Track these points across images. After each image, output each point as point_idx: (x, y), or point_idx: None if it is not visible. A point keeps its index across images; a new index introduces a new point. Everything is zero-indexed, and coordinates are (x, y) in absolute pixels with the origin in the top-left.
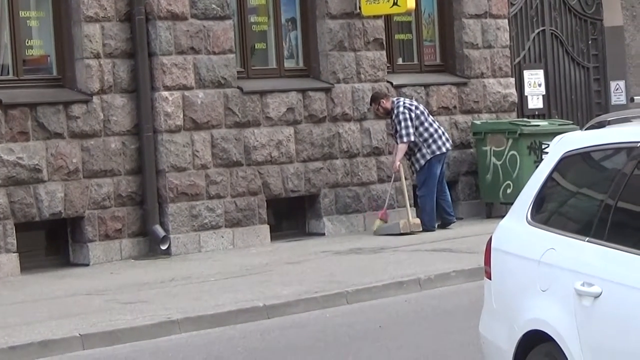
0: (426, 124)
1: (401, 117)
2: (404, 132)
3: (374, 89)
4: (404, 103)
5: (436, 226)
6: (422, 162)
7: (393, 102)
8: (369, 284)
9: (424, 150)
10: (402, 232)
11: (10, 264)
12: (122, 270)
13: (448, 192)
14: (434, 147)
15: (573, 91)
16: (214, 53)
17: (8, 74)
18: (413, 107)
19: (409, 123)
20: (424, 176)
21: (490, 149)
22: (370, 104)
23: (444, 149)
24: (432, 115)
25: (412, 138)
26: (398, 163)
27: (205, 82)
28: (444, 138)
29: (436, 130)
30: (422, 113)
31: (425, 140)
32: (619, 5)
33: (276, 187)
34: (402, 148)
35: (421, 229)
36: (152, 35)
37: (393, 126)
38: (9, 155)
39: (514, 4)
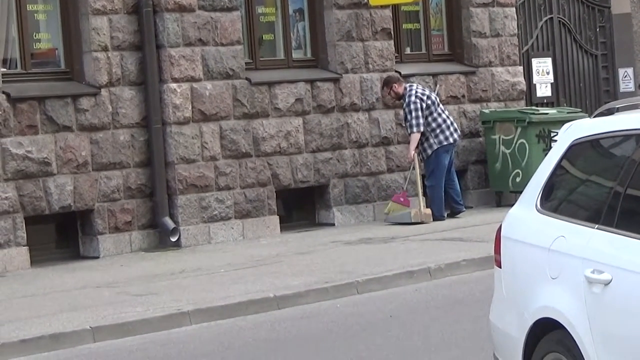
0: (435, 114)
1: (412, 106)
2: (414, 122)
3: (382, 79)
4: (416, 92)
5: (445, 215)
6: (429, 151)
7: (405, 88)
8: (379, 274)
9: (431, 140)
10: (412, 221)
11: (20, 257)
12: (132, 262)
13: (457, 182)
14: (441, 137)
15: (581, 79)
16: (222, 44)
17: (16, 67)
18: (425, 97)
19: (420, 113)
20: (432, 166)
21: (499, 137)
22: (382, 88)
23: (451, 140)
24: (442, 105)
25: (422, 129)
26: (412, 153)
27: (213, 73)
28: (452, 128)
29: (444, 121)
30: (433, 103)
31: (433, 130)
32: None
33: (285, 177)
34: (414, 138)
35: (432, 219)
36: (159, 27)
37: (404, 114)
38: (18, 149)
39: None
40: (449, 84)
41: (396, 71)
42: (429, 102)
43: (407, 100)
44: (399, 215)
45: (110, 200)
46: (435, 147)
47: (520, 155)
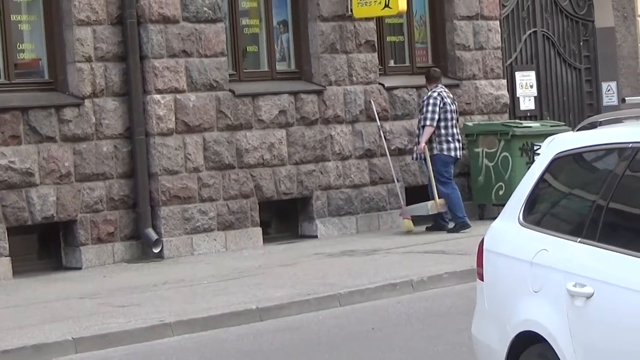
0: (448, 123)
1: (431, 101)
2: (429, 115)
3: (366, 91)
4: (439, 92)
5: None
6: (431, 152)
7: (434, 86)
8: (362, 286)
9: (433, 144)
10: (430, 213)
11: (2, 267)
12: (115, 273)
13: (459, 201)
14: (444, 146)
15: (565, 92)
16: (206, 56)
17: (0, 77)
18: (448, 101)
19: (436, 109)
20: (437, 172)
21: (483, 150)
22: (440, 81)
23: (452, 154)
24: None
25: (435, 124)
26: (423, 144)
27: (197, 85)
28: (457, 145)
29: (453, 135)
30: (451, 112)
31: (439, 136)
32: (610, 6)
33: (268, 189)
34: (427, 131)
35: (446, 209)
36: (143, 38)
37: (420, 107)
38: (0, 159)
39: (506, 6)
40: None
41: (380, 83)
42: (447, 107)
43: (429, 94)
44: (416, 207)
45: (93, 211)
46: (435, 152)
47: (503, 168)
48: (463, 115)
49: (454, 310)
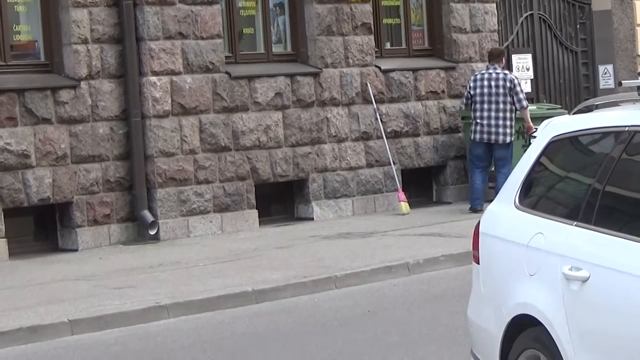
0: (476, 106)
1: (516, 81)
2: (522, 95)
3: (362, 73)
4: (480, 75)
5: (477, 207)
6: (504, 138)
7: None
8: (358, 269)
9: (512, 129)
10: None
11: None
12: (111, 255)
13: (480, 180)
14: (472, 129)
15: (561, 75)
16: (202, 38)
17: None
18: (475, 84)
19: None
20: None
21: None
22: (498, 59)
23: (477, 137)
24: (421, 100)
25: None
26: (531, 123)
27: (193, 67)
28: (479, 128)
29: (479, 118)
30: (482, 94)
31: (512, 119)
32: None
33: (264, 172)
34: (528, 112)
35: None
36: (139, 20)
37: (504, 87)
38: None
39: None
40: (429, 79)
41: (376, 66)
42: (474, 90)
43: (510, 76)
44: None
45: (89, 193)
46: (470, 136)
47: None
48: (459, 97)
49: (450, 292)
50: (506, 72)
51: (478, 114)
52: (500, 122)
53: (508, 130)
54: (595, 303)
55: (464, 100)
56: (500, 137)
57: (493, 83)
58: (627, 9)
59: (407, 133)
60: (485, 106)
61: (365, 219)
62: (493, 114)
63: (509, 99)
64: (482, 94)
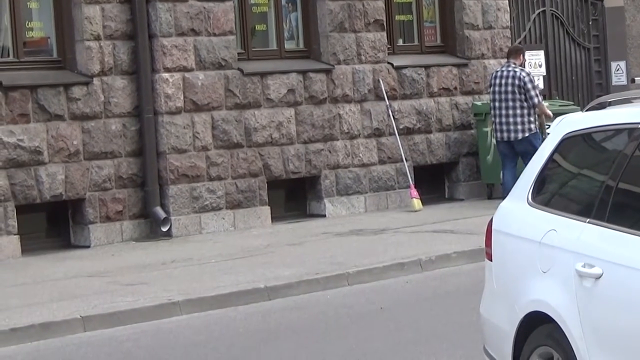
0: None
1: (528, 78)
2: (533, 92)
3: (375, 70)
4: (495, 73)
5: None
6: (523, 134)
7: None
8: (370, 266)
9: (530, 125)
10: None
11: (11, 246)
12: (123, 252)
13: (510, 176)
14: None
15: (574, 72)
16: (215, 34)
17: (8, 56)
18: (491, 82)
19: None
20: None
21: (491, 130)
22: (515, 56)
23: (496, 135)
24: (433, 97)
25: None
26: (549, 113)
27: (205, 63)
28: (496, 127)
29: (492, 116)
30: (493, 92)
31: (531, 115)
32: None
33: (277, 168)
34: (543, 106)
35: None
36: (152, 16)
37: (516, 86)
38: (9, 137)
39: None
40: (441, 76)
41: (388, 62)
42: (490, 88)
43: (524, 73)
44: None
45: (101, 190)
46: (532, 132)
47: None
48: (471, 94)
49: (463, 289)
50: (517, 69)
51: (492, 112)
52: (511, 119)
53: (521, 127)
54: (608, 300)
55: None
56: (513, 134)
57: (504, 81)
58: (639, 6)
59: (420, 130)
60: (497, 104)
61: (377, 216)
62: (503, 111)
63: (519, 96)
64: (494, 92)
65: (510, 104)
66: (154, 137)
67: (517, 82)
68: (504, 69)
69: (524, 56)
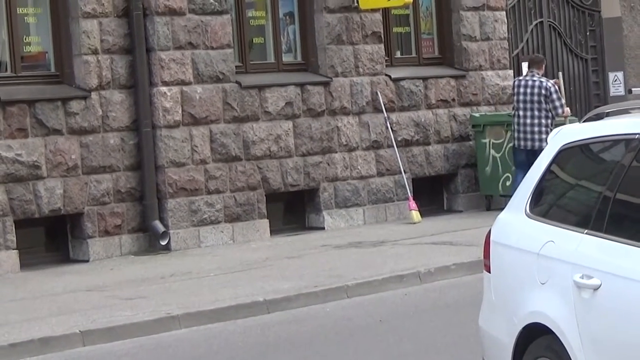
0: (514, 112)
1: (553, 88)
2: (557, 103)
3: (373, 82)
4: (517, 81)
5: None
6: (540, 144)
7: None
8: (369, 278)
9: (543, 135)
10: None
11: (10, 260)
12: (122, 266)
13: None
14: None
15: (571, 83)
16: (212, 48)
17: (6, 70)
18: (515, 91)
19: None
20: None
21: (489, 141)
22: (538, 66)
23: (516, 143)
24: (431, 109)
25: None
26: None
27: (203, 77)
28: (516, 134)
29: (515, 124)
30: (518, 101)
31: (547, 126)
32: None
33: (275, 181)
34: (566, 117)
35: None
36: (149, 30)
37: (540, 94)
38: (7, 152)
39: None
40: (439, 88)
41: (386, 74)
42: (514, 97)
43: (544, 84)
44: None
45: (100, 204)
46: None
47: (510, 159)
48: (469, 106)
49: (462, 301)
50: (542, 79)
51: (515, 119)
52: (536, 128)
53: (545, 136)
54: (606, 311)
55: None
56: (537, 143)
57: (529, 90)
58: (637, 16)
59: (418, 142)
60: (521, 113)
61: (376, 228)
62: (529, 120)
63: (544, 105)
64: (518, 101)
65: (536, 113)
66: (152, 150)
67: (543, 91)
68: (528, 78)
69: (545, 66)
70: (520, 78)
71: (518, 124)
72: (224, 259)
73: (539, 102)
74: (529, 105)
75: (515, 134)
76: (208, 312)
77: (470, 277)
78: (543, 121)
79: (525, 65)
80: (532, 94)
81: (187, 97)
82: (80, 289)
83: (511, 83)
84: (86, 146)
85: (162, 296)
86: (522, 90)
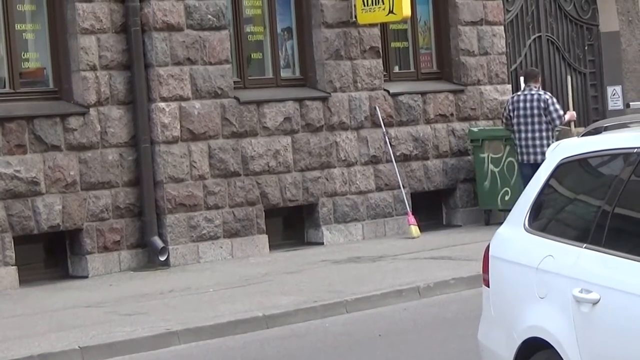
0: (515, 128)
1: (550, 100)
2: (555, 115)
3: (371, 97)
4: (517, 97)
5: None
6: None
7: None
8: (368, 293)
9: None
10: None
11: (9, 277)
12: (121, 282)
13: None
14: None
15: (570, 96)
16: (210, 63)
17: (4, 87)
18: (514, 106)
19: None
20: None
21: (488, 155)
22: (534, 80)
23: (520, 158)
24: (430, 123)
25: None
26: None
27: (201, 92)
28: (519, 150)
29: (517, 139)
30: (518, 116)
31: (549, 138)
32: (615, 10)
33: (274, 196)
34: (565, 126)
35: None
36: (148, 46)
37: (539, 107)
38: (6, 169)
39: (510, 11)
40: (438, 102)
41: (385, 89)
42: (512, 113)
43: (543, 97)
44: None
45: (98, 220)
46: (518, 158)
47: (509, 174)
48: (468, 120)
49: (461, 316)
50: (540, 92)
51: (516, 135)
52: (537, 142)
53: (545, 149)
54: (605, 325)
55: (503, 120)
56: (540, 157)
57: (528, 104)
58: (635, 30)
59: (417, 156)
60: (522, 127)
61: (375, 243)
62: (530, 134)
63: (544, 118)
64: (518, 116)
65: (537, 127)
66: (151, 166)
67: (542, 104)
68: (526, 92)
69: (542, 79)
70: (519, 93)
71: (519, 139)
72: (223, 274)
73: (539, 115)
74: (529, 120)
75: (518, 149)
76: (207, 327)
77: (469, 291)
78: (544, 134)
79: (522, 80)
80: (531, 107)
81: (186, 112)
82: (80, 305)
83: (509, 98)
84: (85, 162)
85: (161, 312)
86: (521, 105)
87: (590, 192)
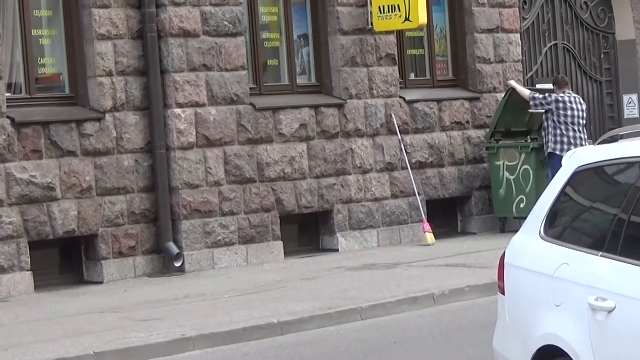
0: (569, 127)
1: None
2: (528, 94)
3: (387, 104)
4: (569, 98)
5: None
6: (546, 151)
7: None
8: (383, 300)
9: (550, 143)
10: None
11: (24, 282)
12: (136, 287)
13: None
14: (558, 146)
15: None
16: (227, 70)
17: (21, 92)
18: (568, 106)
19: (536, 95)
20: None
21: (504, 163)
22: (568, 87)
23: (565, 148)
24: (446, 131)
25: (531, 103)
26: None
27: (217, 99)
28: (563, 146)
29: (572, 138)
30: (573, 117)
31: (556, 135)
32: (632, 19)
33: (290, 203)
34: (523, 90)
35: None
36: (164, 52)
37: (584, 111)
38: (22, 174)
39: (526, 19)
40: (454, 110)
41: (401, 97)
42: (567, 112)
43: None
44: None
45: (114, 226)
46: (549, 150)
47: (524, 182)
48: (484, 128)
49: (476, 324)
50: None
51: (572, 134)
52: (584, 142)
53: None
54: (621, 333)
55: (537, 103)
56: None
57: (581, 107)
58: None
59: (432, 164)
60: (577, 128)
61: (390, 250)
62: (585, 135)
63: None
64: (574, 117)
65: (584, 128)
66: (167, 172)
67: (585, 108)
68: (573, 97)
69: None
70: (567, 97)
71: (575, 137)
72: (238, 280)
73: (584, 118)
74: (583, 122)
75: (560, 144)
76: (222, 333)
77: (484, 299)
78: (586, 136)
79: (540, 88)
80: (583, 110)
81: (202, 119)
82: (95, 311)
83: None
84: (100, 168)
85: (176, 318)
86: (577, 107)
87: (606, 200)
